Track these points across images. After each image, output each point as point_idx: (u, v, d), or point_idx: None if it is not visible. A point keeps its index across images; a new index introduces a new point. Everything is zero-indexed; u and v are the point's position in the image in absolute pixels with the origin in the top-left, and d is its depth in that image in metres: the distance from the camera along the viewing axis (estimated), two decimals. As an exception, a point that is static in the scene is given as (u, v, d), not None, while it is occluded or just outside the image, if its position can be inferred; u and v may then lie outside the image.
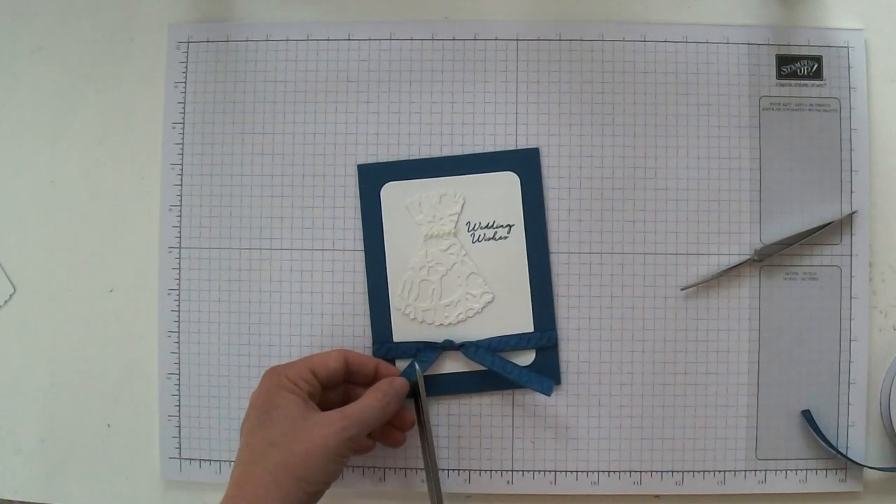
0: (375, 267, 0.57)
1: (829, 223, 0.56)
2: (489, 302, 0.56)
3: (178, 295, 0.58)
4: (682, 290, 0.56)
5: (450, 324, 0.56)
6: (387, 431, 0.54)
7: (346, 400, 0.53)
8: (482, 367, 0.56)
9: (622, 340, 0.57)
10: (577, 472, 0.56)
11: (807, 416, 0.56)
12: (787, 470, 0.56)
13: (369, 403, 0.50)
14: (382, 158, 0.57)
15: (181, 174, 0.58)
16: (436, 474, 0.54)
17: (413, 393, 0.54)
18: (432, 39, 0.58)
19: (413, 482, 0.56)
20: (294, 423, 0.48)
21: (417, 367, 0.55)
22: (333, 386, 0.53)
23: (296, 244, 0.58)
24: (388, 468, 0.57)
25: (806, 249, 0.56)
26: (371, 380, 0.54)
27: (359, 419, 0.49)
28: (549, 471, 0.56)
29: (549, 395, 0.54)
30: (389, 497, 0.57)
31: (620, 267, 0.57)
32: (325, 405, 0.51)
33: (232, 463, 0.57)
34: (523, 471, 0.56)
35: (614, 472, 0.56)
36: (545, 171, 0.57)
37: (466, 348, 0.56)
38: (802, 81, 0.57)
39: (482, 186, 0.57)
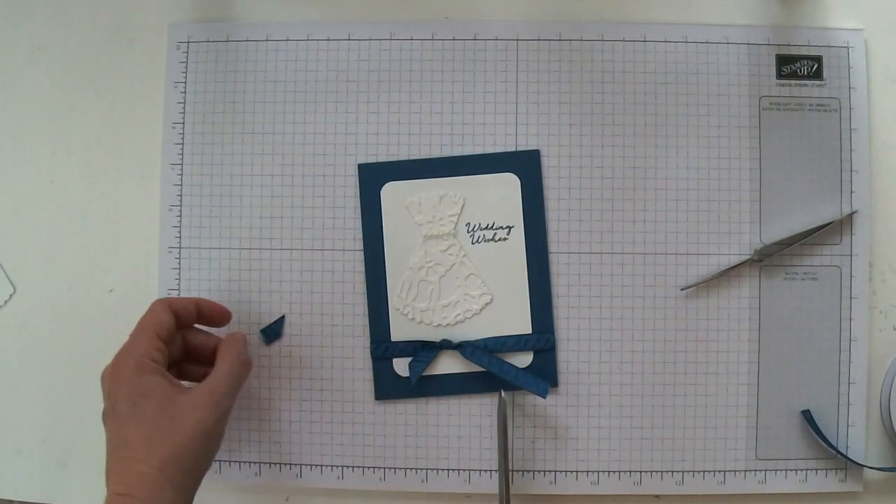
0: (374, 267, 0.57)
1: (829, 223, 0.56)
2: (488, 303, 0.56)
3: (178, 295, 0.58)
4: (682, 290, 0.56)
5: (448, 324, 0.56)
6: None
7: (184, 347, 0.53)
8: (481, 369, 0.56)
9: (622, 340, 0.57)
10: (577, 472, 0.56)
11: (807, 416, 0.56)
12: (787, 470, 0.56)
13: (228, 368, 0.49)
14: (382, 158, 0.57)
15: (181, 174, 0.58)
16: (506, 477, 0.54)
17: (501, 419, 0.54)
18: (432, 39, 0.58)
19: (413, 482, 0.56)
20: (166, 411, 0.46)
21: (502, 395, 0.54)
22: (175, 345, 0.52)
23: (296, 244, 0.58)
24: (388, 468, 0.57)
25: (806, 249, 0.56)
26: (194, 318, 0.52)
27: (227, 389, 0.49)
28: (549, 471, 0.56)
29: (544, 396, 0.54)
30: (390, 497, 0.57)
31: (620, 267, 0.57)
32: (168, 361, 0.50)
33: (231, 463, 0.57)
34: (523, 471, 0.56)
35: (614, 472, 0.56)
36: (545, 171, 0.57)
37: (464, 348, 0.56)
38: (802, 81, 0.57)
39: (482, 187, 0.57)
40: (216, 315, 0.54)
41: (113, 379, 0.48)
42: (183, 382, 0.49)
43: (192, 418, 0.46)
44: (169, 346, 0.50)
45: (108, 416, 0.47)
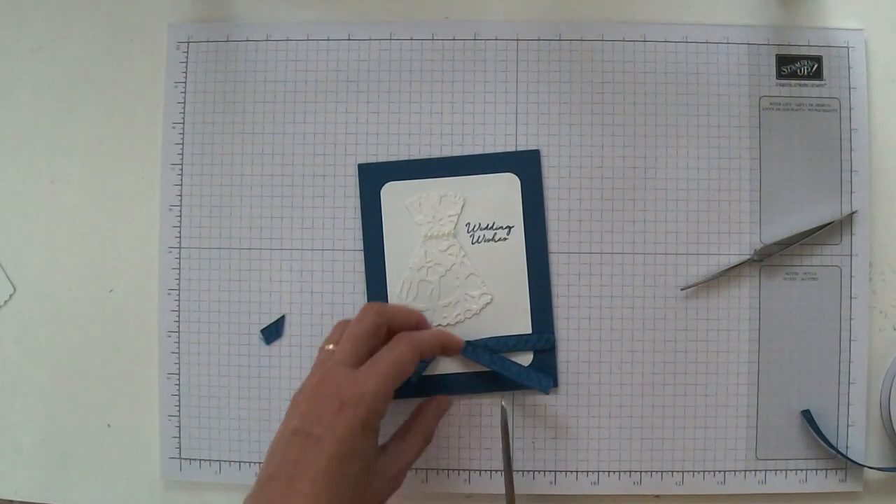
0: (374, 267, 0.57)
1: (829, 223, 0.56)
2: (488, 303, 0.56)
3: (178, 295, 0.58)
4: (682, 290, 0.56)
5: (448, 324, 0.56)
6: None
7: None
8: (481, 368, 0.56)
9: (622, 340, 0.57)
10: (577, 472, 0.56)
11: (807, 416, 0.56)
12: (787, 470, 0.56)
13: (419, 448, 0.50)
14: (381, 159, 0.57)
15: (181, 174, 0.58)
16: (510, 471, 0.54)
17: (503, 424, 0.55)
18: (432, 39, 0.58)
19: (413, 482, 0.56)
20: (361, 481, 0.44)
21: (504, 405, 0.54)
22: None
23: (296, 244, 0.58)
24: (388, 468, 0.57)
25: (806, 249, 0.56)
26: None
27: (409, 460, 0.49)
28: (549, 471, 0.56)
29: (547, 392, 0.54)
30: (391, 497, 0.57)
31: (620, 267, 0.57)
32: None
33: (231, 463, 0.57)
34: (523, 471, 0.56)
35: (614, 472, 0.56)
36: (545, 171, 0.57)
37: (464, 348, 0.56)
38: (802, 81, 0.57)
39: (482, 187, 0.57)
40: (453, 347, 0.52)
41: (335, 408, 0.43)
42: None
43: (378, 493, 0.46)
44: None
45: (301, 435, 0.43)
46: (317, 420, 0.43)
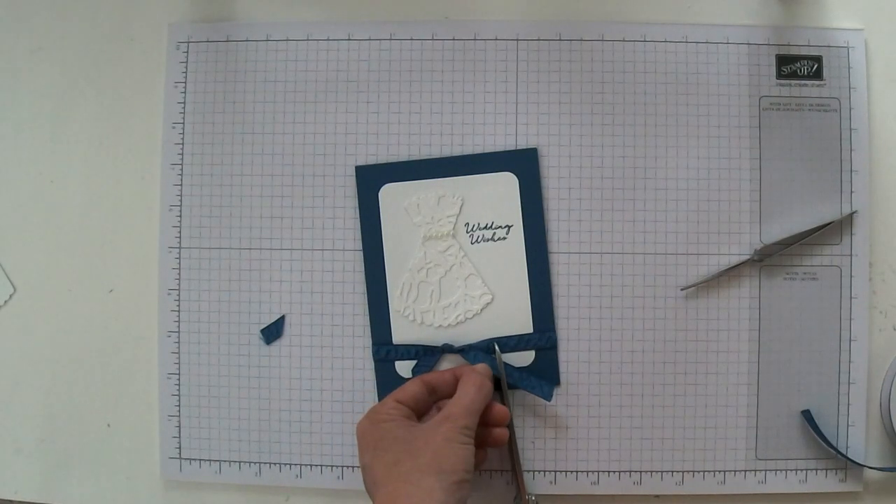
0: (374, 268, 0.57)
1: (829, 223, 0.56)
2: (488, 303, 0.56)
3: (178, 295, 0.58)
4: (682, 290, 0.56)
5: (449, 325, 0.56)
6: (484, 433, 0.53)
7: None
8: (482, 368, 0.56)
9: (622, 340, 0.57)
10: (577, 472, 0.56)
11: (807, 416, 0.56)
12: (787, 470, 0.56)
13: (466, 391, 0.51)
14: (382, 159, 0.57)
15: (181, 174, 0.58)
16: (520, 469, 0.55)
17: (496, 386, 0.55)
18: (432, 39, 0.58)
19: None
20: (407, 441, 0.48)
21: (497, 349, 0.55)
22: (424, 411, 0.53)
23: (296, 244, 0.58)
24: (388, 468, 0.57)
25: (806, 249, 0.56)
26: (453, 388, 0.53)
27: (465, 408, 0.50)
28: (549, 471, 0.56)
29: (549, 400, 0.54)
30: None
31: (620, 267, 0.57)
32: None
33: (231, 463, 0.57)
34: (523, 471, 0.56)
35: (614, 472, 0.56)
36: (545, 171, 0.57)
37: (466, 352, 0.56)
38: (802, 81, 0.57)
39: (481, 187, 0.57)
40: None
41: (357, 438, 0.51)
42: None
43: (434, 436, 0.48)
44: (418, 413, 0.52)
45: (362, 473, 0.50)
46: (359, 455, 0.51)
